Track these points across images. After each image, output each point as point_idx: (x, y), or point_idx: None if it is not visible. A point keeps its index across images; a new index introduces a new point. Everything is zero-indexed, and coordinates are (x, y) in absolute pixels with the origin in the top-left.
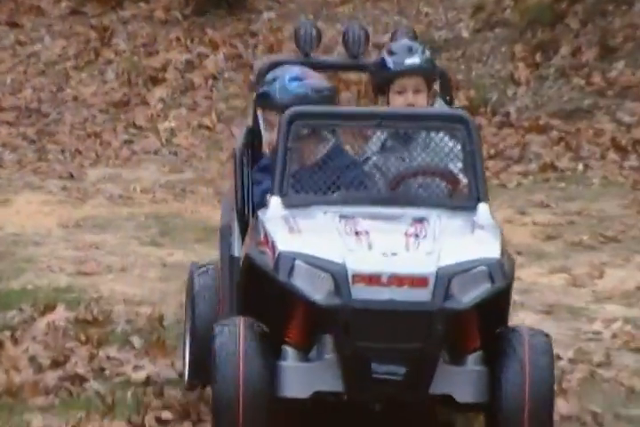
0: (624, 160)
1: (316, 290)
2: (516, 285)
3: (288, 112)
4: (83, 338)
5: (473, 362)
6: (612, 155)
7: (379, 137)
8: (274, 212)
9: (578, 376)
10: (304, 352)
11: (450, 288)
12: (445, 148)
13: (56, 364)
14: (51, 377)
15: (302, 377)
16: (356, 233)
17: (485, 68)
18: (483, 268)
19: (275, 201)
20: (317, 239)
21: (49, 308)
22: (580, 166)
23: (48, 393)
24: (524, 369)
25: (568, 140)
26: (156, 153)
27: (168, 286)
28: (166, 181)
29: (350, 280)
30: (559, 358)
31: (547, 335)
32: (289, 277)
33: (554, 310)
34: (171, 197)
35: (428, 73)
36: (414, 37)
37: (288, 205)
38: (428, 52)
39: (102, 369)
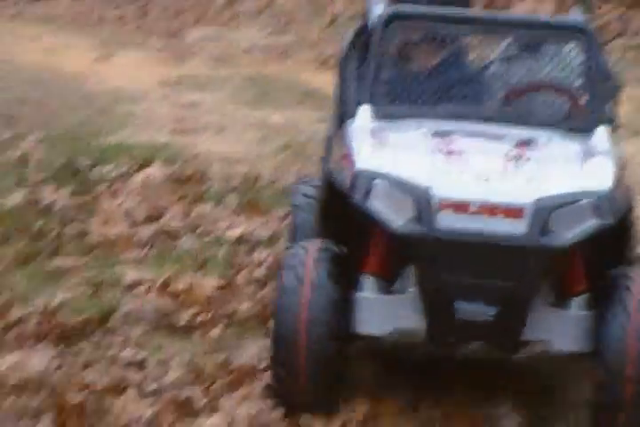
0: None
1: (396, 215)
2: None
3: (385, 11)
4: (178, 195)
5: (577, 306)
6: None
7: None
8: (360, 123)
9: None
10: (385, 283)
11: (549, 222)
12: (572, 62)
13: (150, 219)
14: (145, 231)
15: (381, 311)
16: (449, 153)
17: None
18: (589, 201)
19: (363, 110)
20: (402, 157)
21: (146, 163)
22: None
23: (141, 247)
24: (629, 317)
25: None
26: (258, 14)
27: (265, 147)
28: (267, 43)
29: (435, 206)
30: None
31: None
32: (366, 198)
33: None
34: (271, 58)
35: None
36: None
37: (379, 115)
38: None
39: (196, 226)
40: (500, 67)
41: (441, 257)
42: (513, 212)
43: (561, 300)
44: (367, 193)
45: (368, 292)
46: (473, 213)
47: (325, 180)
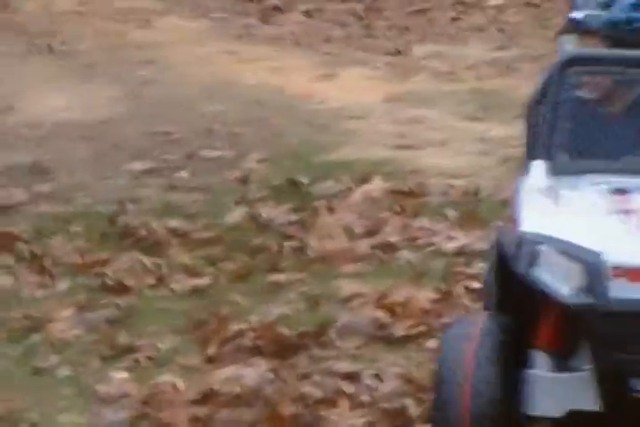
0: None
1: (564, 284)
2: None
3: (563, 54)
4: (397, 208)
5: None
6: None
7: None
8: (532, 180)
9: None
10: (559, 360)
11: None
12: None
13: (369, 233)
14: (363, 245)
15: (554, 390)
16: (626, 212)
17: None
18: None
19: (536, 166)
20: (574, 219)
21: (365, 179)
22: None
23: (359, 260)
24: None
25: None
26: (482, 30)
27: (485, 160)
28: (491, 58)
29: (608, 274)
30: None
31: None
32: (531, 265)
33: None
34: (495, 73)
35: None
36: None
37: (554, 171)
38: None
39: (414, 239)
40: None
41: (614, 331)
42: None
43: None
44: (532, 259)
45: (539, 369)
46: None
47: (494, 244)
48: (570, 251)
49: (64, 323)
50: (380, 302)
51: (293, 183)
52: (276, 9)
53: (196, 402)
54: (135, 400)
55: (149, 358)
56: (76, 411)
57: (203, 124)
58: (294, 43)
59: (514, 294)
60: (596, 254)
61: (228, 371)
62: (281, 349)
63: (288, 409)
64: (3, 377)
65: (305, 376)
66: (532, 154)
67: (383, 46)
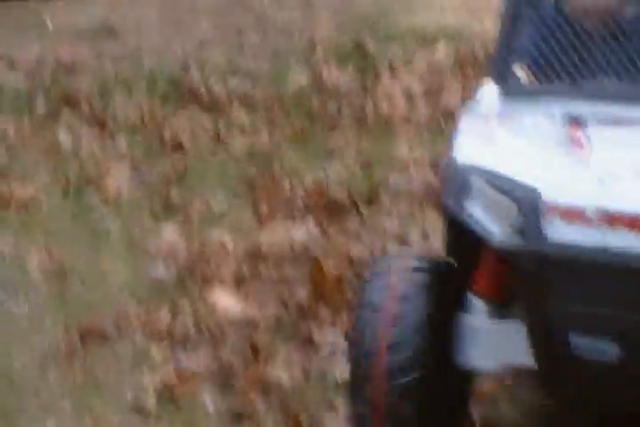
0: None
1: (496, 223)
2: None
3: None
4: (460, 76)
5: None
6: None
7: None
8: (481, 103)
9: None
10: (497, 308)
11: None
12: None
13: (430, 99)
14: (423, 111)
15: (487, 340)
16: (576, 143)
17: None
18: None
19: (488, 88)
20: (515, 150)
21: (430, 43)
22: None
23: (418, 126)
24: None
25: None
26: None
27: None
28: None
29: (544, 213)
30: None
31: None
32: (461, 199)
33: None
34: None
35: None
36: None
37: (506, 94)
38: None
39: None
40: None
41: (548, 278)
42: None
43: None
44: (462, 193)
45: (475, 316)
46: (592, 223)
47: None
48: (503, 185)
49: (120, 180)
50: (435, 168)
51: (359, 47)
52: None
53: (242, 259)
54: (183, 256)
55: (201, 216)
56: (126, 265)
57: None
58: None
59: (458, 233)
60: (532, 191)
61: (277, 230)
62: (332, 209)
63: (334, 268)
64: (57, 232)
65: (353, 237)
66: (486, 71)
67: None
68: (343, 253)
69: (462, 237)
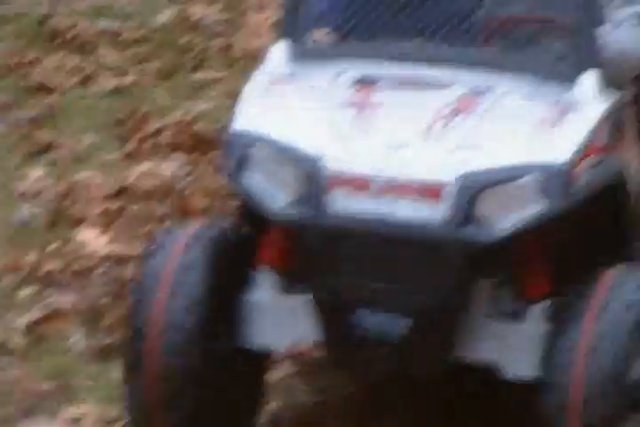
0: None
1: (278, 194)
2: None
3: None
4: None
5: (537, 318)
6: None
7: None
8: (269, 65)
9: None
10: (285, 281)
11: (476, 206)
12: None
13: None
14: None
15: (275, 316)
16: (361, 108)
17: None
18: (533, 177)
19: (277, 48)
20: (300, 116)
21: None
22: None
23: None
24: (580, 336)
25: None
26: None
27: None
28: None
29: (327, 184)
30: None
31: None
32: (240, 170)
33: None
34: None
35: None
36: None
37: (297, 55)
38: None
39: None
40: None
41: (332, 252)
42: (428, 192)
43: (511, 309)
44: (241, 163)
45: (260, 291)
46: (376, 193)
47: None
48: (286, 155)
49: None
50: None
51: None
52: None
53: (110, 197)
54: (52, 196)
55: (69, 155)
56: None
57: None
58: None
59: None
60: (315, 159)
61: (144, 166)
62: (198, 145)
63: (199, 202)
64: None
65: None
66: (279, 32)
67: None
68: (210, 188)
69: (251, 205)
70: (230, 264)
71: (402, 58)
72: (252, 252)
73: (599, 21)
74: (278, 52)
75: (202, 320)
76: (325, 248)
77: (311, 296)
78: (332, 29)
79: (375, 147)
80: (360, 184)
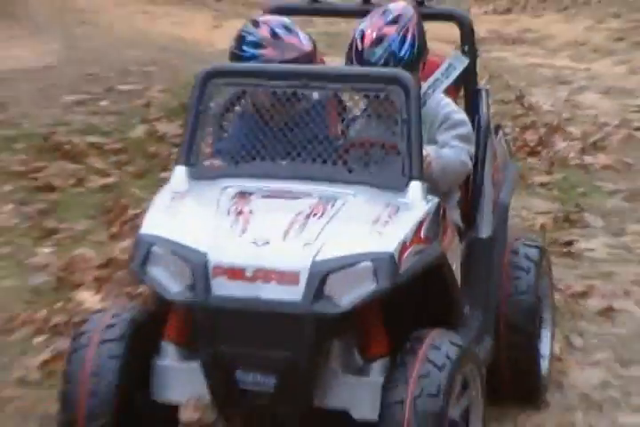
0: None
1: (174, 282)
2: (584, 74)
3: (203, 69)
4: None
5: (378, 371)
6: None
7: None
8: (173, 184)
9: (618, 137)
10: (184, 351)
11: (325, 287)
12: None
13: None
14: None
15: (177, 378)
16: (238, 214)
17: None
18: (367, 264)
19: (178, 171)
20: (192, 221)
21: None
22: None
23: None
24: (411, 374)
25: None
26: None
27: None
28: None
29: (211, 273)
30: (607, 124)
31: (459, 346)
32: (144, 264)
33: (610, 91)
34: None
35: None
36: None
37: (194, 176)
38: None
39: None
40: (356, 121)
41: (216, 326)
42: (288, 277)
43: (358, 365)
44: (145, 259)
45: (166, 359)
46: (248, 279)
47: None
48: (179, 251)
49: (6, 215)
50: None
51: (184, 106)
52: None
53: (101, 266)
54: (56, 268)
55: (68, 237)
56: (13, 277)
57: (121, 66)
58: (192, 3)
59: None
60: (202, 254)
61: (125, 243)
62: None
63: None
64: None
65: None
66: (177, 159)
67: (260, 2)
68: None
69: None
70: (146, 336)
71: (272, 176)
72: (161, 326)
73: (421, 145)
74: (179, 174)
75: (123, 373)
76: (210, 323)
77: (201, 362)
78: (220, 155)
79: (247, 244)
80: (235, 273)
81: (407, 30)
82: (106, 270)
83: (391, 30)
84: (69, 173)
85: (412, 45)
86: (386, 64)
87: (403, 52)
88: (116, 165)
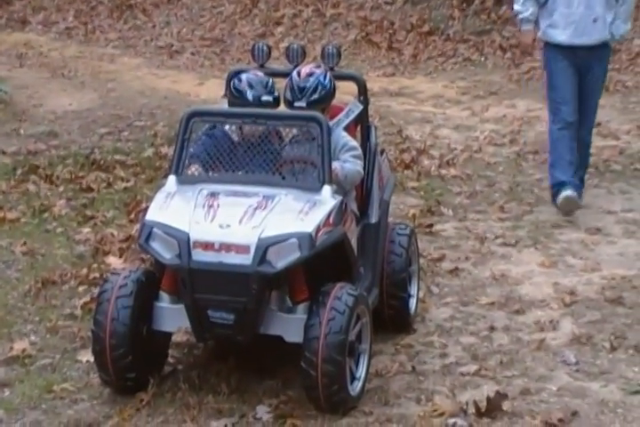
0: (505, 55)
1: (167, 252)
2: (442, 116)
3: (187, 110)
4: None
5: (302, 311)
6: (499, 52)
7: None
8: (167, 187)
9: (463, 157)
10: (175, 296)
11: (266, 255)
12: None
13: None
14: None
15: (169, 315)
16: (209, 207)
17: None
18: (294, 240)
19: (170, 179)
20: (178, 211)
21: None
22: (482, 59)
23: None
24: (323, 318)
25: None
26: None
27: None
28: None
29: (191, 246)
30: (455, 149)
31: (354, 295)
32: (147, 241)
33: (458, 127)
34: None
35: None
36: (337, 54)
37: (181, 182)
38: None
39: None
40: (288, 145)
41: (194, 281)
42: (242, 249)
43: (289, 306)
44: (148, 237)
45: (162, 302)
46: (216, 250)
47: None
48: (170, 231)
49: (60, 206)
50: None
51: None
52: (176, 52)
53: (122, 241)
54: (93, 241)
55: (101, 221)
56: (64, 248)
57: (137, 109)
58: (185, 68)
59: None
60: (185, 233)
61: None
62: None
63: None
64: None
65: None
66: (169, 170)
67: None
68: None
69: (155, 259)
70: (148, 288)
71: (232, 181)
72: (159, 281)
73: (331, 161)
74: (170, 180)
75: (133, 316)
76: (190, 279)
77: (184, 304)
78: (198, 166)
79: (215, 226)
80: (207, 246)
81: (327, 72)
82: (126, 243)
83: (317, 70)
84: (102, 179)
85: (330, 81)
86: (315, 89)
87: (326, 82)
88: (133, 175)
